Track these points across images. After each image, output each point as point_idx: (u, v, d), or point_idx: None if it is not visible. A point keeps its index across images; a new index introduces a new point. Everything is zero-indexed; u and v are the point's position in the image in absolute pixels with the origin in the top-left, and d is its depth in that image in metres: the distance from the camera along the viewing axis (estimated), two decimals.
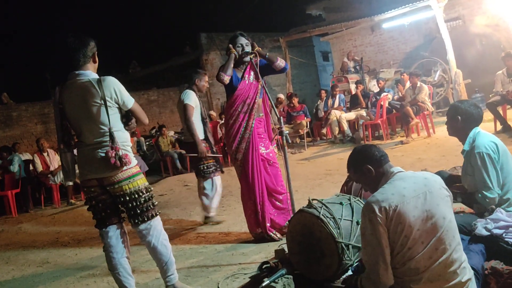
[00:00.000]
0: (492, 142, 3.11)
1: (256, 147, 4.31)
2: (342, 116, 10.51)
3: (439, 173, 3.67)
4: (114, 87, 2.95)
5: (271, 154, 4.43)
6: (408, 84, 10.15)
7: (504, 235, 2.77)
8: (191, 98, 5.16)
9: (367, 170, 2.40)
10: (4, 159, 9.19)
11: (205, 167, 5.22)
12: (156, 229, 3.11)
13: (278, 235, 4.28)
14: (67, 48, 2.99)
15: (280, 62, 4.39)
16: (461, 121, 3.18)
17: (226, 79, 4.24)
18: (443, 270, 2.14)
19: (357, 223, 3.02)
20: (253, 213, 4.32)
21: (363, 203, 3.23)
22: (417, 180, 2.24)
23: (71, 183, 8.88)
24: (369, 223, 2.16)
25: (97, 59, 3.09)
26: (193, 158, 5.28)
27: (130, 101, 3.04)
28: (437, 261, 2.13)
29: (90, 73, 3.00)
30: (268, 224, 4.28)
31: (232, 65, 4.26)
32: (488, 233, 2.80)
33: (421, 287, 2.15)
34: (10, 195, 8.62)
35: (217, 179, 5.30)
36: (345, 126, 10.44)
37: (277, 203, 4.38)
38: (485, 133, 3.19)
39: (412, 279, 2.16)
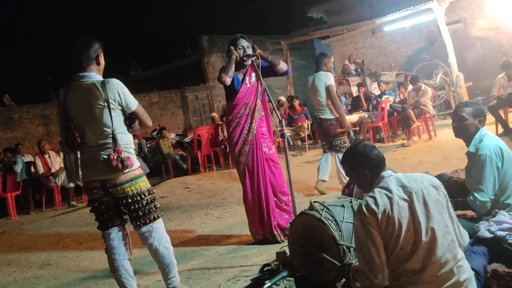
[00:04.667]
0: (498, 146, 3.09)
1: (260, 146, 4.32)
2: (350, 117, 10.38)
3: (440, 176, 3.67)
4: (118, 89, 2.95)
5: (273, 154, 4.43)
6: (410, 87, 10.17)
7: (507, 237, 2.77)
8: (332, 79, 5.70)
9: (364, 174, 2.45)
10: (8, 159, 9.20)
11: (341, 142, 5.80)
12: (158, 231, 3.11)
13: (281, 236, 4.28)
14: (70, 50, 3.00)
15: (282, 65, 4.39)
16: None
17: (228, 80, 4.24)
18: (439, 270, 2.16)
19: None
20: (258, 213, 4.30)
21: None
22: (406, 182, 2.28)
23: (72, 185, 8.88)
24: (361, 226, 2.23)
25: (101, 61, 3.08)
26: (327, 133, 5.91)
27: (134, 104, 3.04)
28: (431, 262, 2.15)
29: (94, 75, 3.00)
30: (274, 223, 4.28)
31: (233, 67, 4.25)
32: (491, 235, 2.80)
33: None
34: (10, 197, 8.62)
35: None
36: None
37: (280, 204, 4.38)
38: (492, 136, 3.18)
39: (409, 280, 2.18)
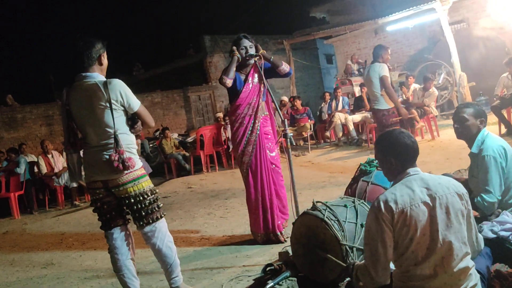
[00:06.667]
0: (501, 146, 3.09)
1: (264, 146, 4.31)
2: (348, 118, 10.48)
3: None
4: (120, 90, 2.95)
5: (275, 158, 4.42)
6: (413, 87, 10.16)
7: (510, 237, 2.76)
8: (386, 70, 5.86)
9: (389, 161, 2.34)
10: (11, 160, 9.24)
11: None
12: (161, 231, 3.11)
13: (284, 236, 4.28)
14: (72, 50, 3.00)
15: (285, 67, 4.38)
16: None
17: (229, 82, 4.22)
18: (449, 279, 2.13)
19: (361, 225, 3.03)
20: (261, 213, 4.29)
21: (367, 205, 3.24)
22: (431, 186, 2.20)
23: (75, 185, 8.90)
24: (375, 220, 2.17)
25: (104, 61, 3.07)
26: (380, 123, 6.03)
27: (136, 104, 3.04)
28: (443, 270, 2.12)
29: (97, 75, 3.00)
30: (277, 223, 4.27)
31: (234, 68, 4.23)
32: (495, 236, 2.79)
33: None
34: (13, 197, 8.66)
35: None
36: (351, 128, 10.42)
37: (280, 205, 4.38)
38: (494, 136, 3.18)
39: (417, 284, 2.15)
